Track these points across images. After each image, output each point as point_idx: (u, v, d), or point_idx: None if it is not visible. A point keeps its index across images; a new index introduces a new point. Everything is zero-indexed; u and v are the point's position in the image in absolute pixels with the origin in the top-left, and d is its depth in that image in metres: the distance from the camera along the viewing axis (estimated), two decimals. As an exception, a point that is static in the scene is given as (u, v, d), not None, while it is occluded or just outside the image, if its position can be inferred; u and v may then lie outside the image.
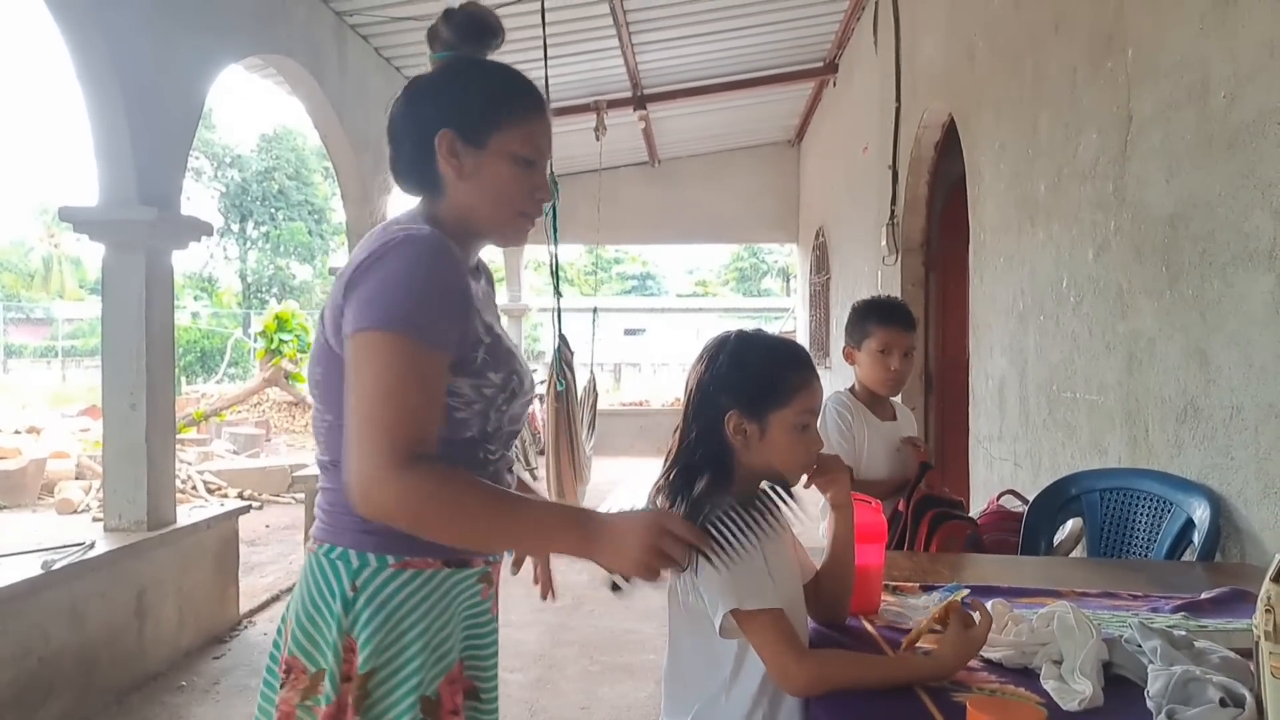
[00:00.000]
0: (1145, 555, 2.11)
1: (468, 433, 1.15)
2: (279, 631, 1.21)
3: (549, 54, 4.77)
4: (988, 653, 1.25)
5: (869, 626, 1.40)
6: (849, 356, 2.41)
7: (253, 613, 4.32)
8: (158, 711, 3.19)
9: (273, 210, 29.58)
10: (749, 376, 1.25)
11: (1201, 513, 1.98)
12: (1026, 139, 3.15)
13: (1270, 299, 1.82)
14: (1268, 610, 0.92)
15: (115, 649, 3.26)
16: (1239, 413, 1.93)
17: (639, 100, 7.21)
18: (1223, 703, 1.00)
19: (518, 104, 1.20)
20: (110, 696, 3.23)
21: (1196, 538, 1.97)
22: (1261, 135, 1.84)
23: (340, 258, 29.86)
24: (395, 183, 1.25)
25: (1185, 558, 2.01)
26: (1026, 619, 1.29)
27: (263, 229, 29.88)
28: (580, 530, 1.10)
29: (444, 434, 1.10)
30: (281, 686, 1.14)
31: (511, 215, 1.21)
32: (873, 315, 2.34)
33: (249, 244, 30.19)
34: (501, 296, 10.63)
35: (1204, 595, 1.53)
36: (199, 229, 3.68)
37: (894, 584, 1.61)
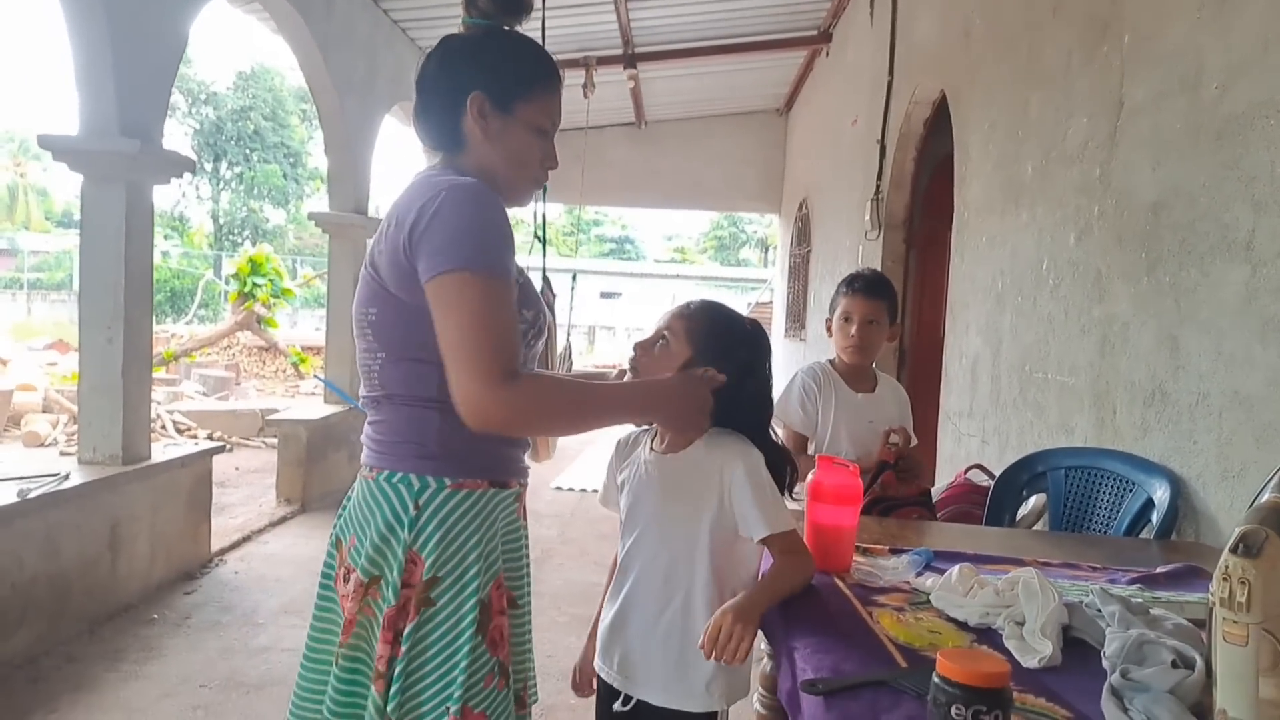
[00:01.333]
0: (1105, 532, 2.19)
1: None
2: (329, 562, 1.37)
3: (550, 6, 4.68)
4: (954, 611, 1.31)
5: (840, 584, 1.45)
6: (828, 327, 2.45)
7: (224, 551, 4.34)
8: (129, 642, 3.21)
9: (247, 151, 28.92)
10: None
11: (1162, 493, 2.05)
12: (1017, 120, 3.18)
13: (1244, 290, 1.88)
14: (1224, 579, 0.97)
15: (88, 579, 3.28)
16: (1205, 399, 1.99)
17: (630, 59, 7.13)
18: (1174, 664, 1.05)
19: (543, 79, 1.35)
20: (83, 625, 3.25)
21: (1155, 517, 2.05)
22: (1249, 128, 1.88)
23: (317, 203, 29.37)
24: (416, 132, 1.37)
25: (1143, 535, 2.08)
26: (992, 582, 1.34)
27: (236, 170, 29.24)
28: (644, 398, 1.38)
29: None
30: (349, 597, 1.28)
31: (526, 178, 1.37)
32: (841, 285, 2.41)
33: (222, 184, 29.54)
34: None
35: (1159, 570, 1.60)
36: (181, 165, 3.62)
37: (864, 545, 1.66)
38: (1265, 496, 1.02)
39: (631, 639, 1.52)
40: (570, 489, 6.40)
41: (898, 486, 2.24)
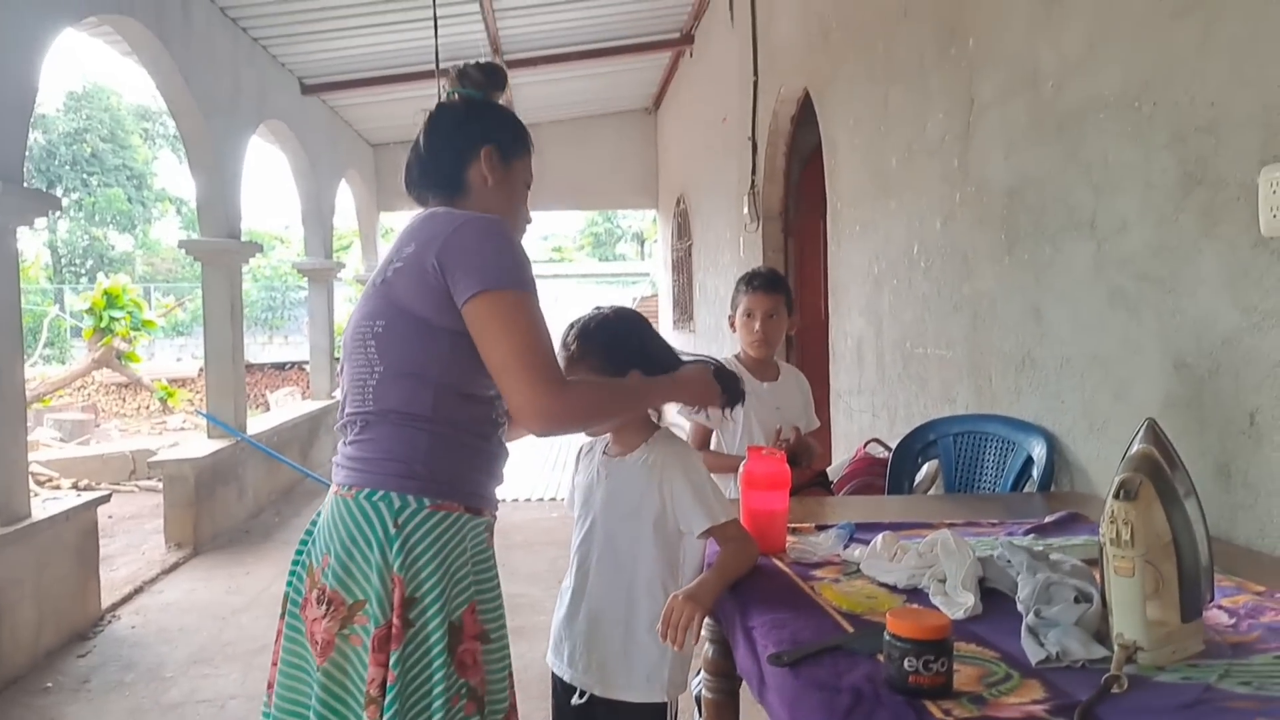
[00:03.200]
0: (993, 489, 2.42)
1: (491, 390, 1.37)
2: (296, 574, 1.41)
3: (408, 20, 4.64)
4: (883, 577, 1.45)
5: (779, 563, 1.57)
6: (731, 323, 2.59)
7: (115, 606, 4.11)
8: (25, 715, 3.02)
9: (85, 176, 26.86)
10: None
11: (1039, 450, 2.29)
12: (878, 116, 3.42)
13: (1092, 263, 2.13)
14: (1111, 521, 1.13)
15: (-29, 655, 3.06)
16: (1068, 362, 2.24)
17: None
18: (1076, 600, 1.22)
19: (528, 145, 1.61)
20: (-30, 705, 3.03)
21: (1035, 472, 2.28)
22: (1083, 121, 2.13)
23: (165, 227, 27.62)
24: (414, 181, 1.51)
25: (1026, 489, 2.32)
26: (912, 547, 1.49)
27: (74, 196, 27.13)
28: (667, 384, 1.56)
29: (476, 389, 1.33)
30: (324, 618, 1.31)
31: (517, 224, 1.56)
32: (741, 283, 2.56)
33: (59, 212, 27.33)
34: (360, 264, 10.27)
35: (1047, 519, 1.81)
36: (46, 203, 3.43)
37: (793, 525, 1.79)
38: (1135, 448, 1.20)
39: (579, 632, 1.62)
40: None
41: (796, 474, 2.42)
